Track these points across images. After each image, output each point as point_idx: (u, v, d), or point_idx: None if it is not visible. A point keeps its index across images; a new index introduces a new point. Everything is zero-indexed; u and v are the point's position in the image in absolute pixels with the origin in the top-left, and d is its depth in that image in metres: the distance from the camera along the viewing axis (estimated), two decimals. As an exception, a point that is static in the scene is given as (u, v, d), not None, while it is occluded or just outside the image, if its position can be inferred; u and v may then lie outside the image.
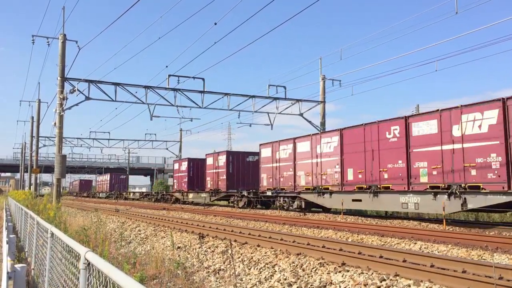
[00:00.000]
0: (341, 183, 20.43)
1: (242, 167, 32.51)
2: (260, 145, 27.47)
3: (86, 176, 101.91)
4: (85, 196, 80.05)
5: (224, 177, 31.83)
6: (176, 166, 40.28)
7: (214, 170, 33.47)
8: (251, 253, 9.92)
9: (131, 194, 59.09)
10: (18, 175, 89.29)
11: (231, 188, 31.50)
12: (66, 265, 4.29)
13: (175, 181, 40.89)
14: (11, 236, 7.50)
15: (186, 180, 37.36)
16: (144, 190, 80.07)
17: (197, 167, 37.37)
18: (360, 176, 19.35)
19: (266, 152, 26.71)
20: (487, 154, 14.28)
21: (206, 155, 35.80)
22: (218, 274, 8.52)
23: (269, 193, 25.99)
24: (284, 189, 24.78)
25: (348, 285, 6.73)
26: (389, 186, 17.69)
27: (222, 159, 32.67)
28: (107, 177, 66.71)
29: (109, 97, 26.71)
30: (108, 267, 2.55)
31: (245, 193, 29.56)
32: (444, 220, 15.31)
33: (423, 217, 19.10)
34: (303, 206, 23.33)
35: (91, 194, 79.91)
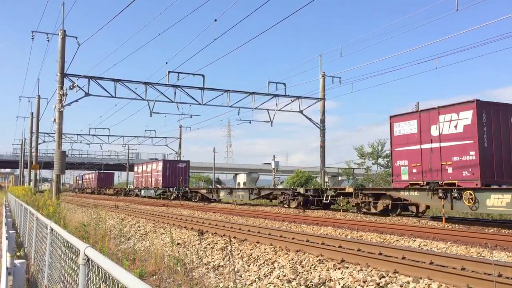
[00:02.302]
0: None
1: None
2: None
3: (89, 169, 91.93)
4: (110, 194, 60.80)
5: None
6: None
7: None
8: (251, 249, 9.93)
9: (221, 193, 32.67)
10: (17, 171, 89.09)
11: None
12: (65, 261, 4.29)
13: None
14: (10, 232, 7.51)
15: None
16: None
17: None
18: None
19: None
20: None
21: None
22: (218, 270, 8.53)
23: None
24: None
25: (347, 282, 6.74)
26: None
27: None
28: (157, 166, 44.55)
29: (109, 93, 26.70)
30: (107, 263, 2.55)
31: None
32: (443, 218, 15.33)
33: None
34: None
35: (117, 190, 60.57)
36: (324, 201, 21.76)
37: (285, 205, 24.53)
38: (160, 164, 43.87)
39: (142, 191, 48.23)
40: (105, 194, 62.94)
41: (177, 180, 41.05)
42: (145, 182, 47.77)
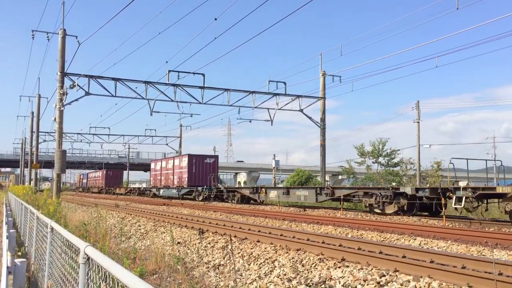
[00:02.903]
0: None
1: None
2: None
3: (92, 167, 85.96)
4: (120, 193, 55.74)
5: None
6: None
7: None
8: (251, 248, 9.93)
9: (271, 193, 27.12)
10: (18, 170, 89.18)
11: None
12: (66, 260, 4.29)
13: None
14: (11, 231, 7.51)
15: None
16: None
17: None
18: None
19: None
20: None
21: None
22: (218, 269, 8.53)
23: None
24: None
25: (348, 280, 6.74)
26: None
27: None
28: (181, 161, 38.60)
29: (109, 92, 26.70)
30: (107, 262, 2.54)
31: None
32: (444, 217, 15.32)
33: (423, 214, 19.11)
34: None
35: (130, 189, 56.24)
36: (455, 205, 15.45)
37: (376, 209, 18.52)
38: (185, 160, 37.76)
39: (161, 191, 42.01)
40: (115, 194, 56.62)
41: (208, 178, 35.47)
42: (165, 181, 41.75)
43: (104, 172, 66.30)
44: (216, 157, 39.72)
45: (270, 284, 7.07)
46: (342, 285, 6.63)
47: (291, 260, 8.36)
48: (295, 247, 9.37)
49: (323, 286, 6.72)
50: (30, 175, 49.14)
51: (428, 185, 27.92)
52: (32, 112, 47.18)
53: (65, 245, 4.33)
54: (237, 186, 64.74)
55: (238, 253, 9.62)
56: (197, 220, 15.92)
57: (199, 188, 34.64)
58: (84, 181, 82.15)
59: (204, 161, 37.97)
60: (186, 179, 36.91)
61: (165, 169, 42.57)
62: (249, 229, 12.55)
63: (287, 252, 9.08)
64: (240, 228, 13.05)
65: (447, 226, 13.93)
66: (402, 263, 7.14)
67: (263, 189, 27.78)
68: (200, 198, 34.19)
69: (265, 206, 26.56)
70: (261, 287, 7.04)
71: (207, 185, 34.60)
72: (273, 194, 26.58)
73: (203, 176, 36.81)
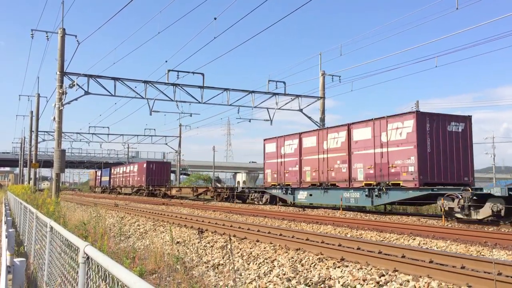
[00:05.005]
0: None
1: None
2: None
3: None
4: (181, 196, 38.60)
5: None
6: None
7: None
8: (250, 248, 9.93)
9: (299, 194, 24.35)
10: (17, 170, 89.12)
11: None
12: (65, 259, 4.28)
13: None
14: (10, 230, 7.49)
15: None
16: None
17: None
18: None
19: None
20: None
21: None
22: (217, 269, 8.52)
23: None
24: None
25: (347, 280, 6.74)
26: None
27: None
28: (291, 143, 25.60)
29: (109, 91, 26.66)
30: (107, 261, 2.54)
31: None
32: (443, 216, 15.33)
33: (422, 213, 19.15)
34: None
35: (207, 189, 36.36)
36: None
37: (458, 215, 15.39)
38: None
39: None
40: (166, 197, 41.59)
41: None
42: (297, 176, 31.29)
43: (144, 165, 47.91)
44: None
45: (270, 284, 7.07)
46: (342, 285, 6.63)
47: (290, 260, 8.36)
48: (294, 247, 9.37)
49: (322, 285, 6.72)
50: (29, 174, 49.09)
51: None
52: (32, 112, 47.16)
53: (65, 244, 4.33)
54: (236, 185, 64.38)
55: (238, 252, 9.62)
56: (197, 220, 15.92)
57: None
58: (104, 178, 65.70)
59: None
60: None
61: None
62: (248, 229, 12.55)
63: (287, 252, 9.08)
64: (239, 227, 13.05)
65: (446, 226, 13.94)
66: (402, 263, 7.14)
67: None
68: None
69: (264, 206, 26.53)
70: (260, 286, 7.04)
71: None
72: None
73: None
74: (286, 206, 24.35)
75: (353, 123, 20.68)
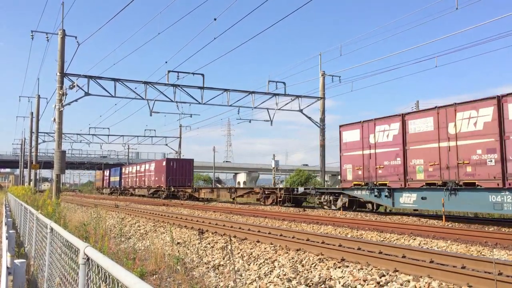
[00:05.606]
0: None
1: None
2: None
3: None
4: (237, 198, 30.95)
5: None
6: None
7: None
8: (251, 248, 9.92)
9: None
10: (17, 171, 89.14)
11: None
12: (65, 260, 4.28)
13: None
14: (10, 231, 7.51)
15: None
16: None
17: None
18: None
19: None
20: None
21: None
22: (218, 269, 8.52)
23: None
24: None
25: (348, 280, 6.74)
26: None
27: None
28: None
29: (109, 93, 26.71)
30: (107, 262, 2.54)
31: None
32: (443, 216, 15.32)
33: (423, 213, 19.13)
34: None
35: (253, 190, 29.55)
36: None
37: None
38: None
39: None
40: (196, 199, 36.28)
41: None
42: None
43: (164, 163, 41.27)
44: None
45: (270, 284, 7.07)
46: (342, 285, 6.63)
47: (290, 260, 8.36)
48: (294, 247, 9.37)
49: (323, 286, 6.72)
50: (30, 175, 49.10)
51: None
52: (32, 113, 47.18)
53: (65, 245, 4.33)
54: (236, 186, 64.50)
55: (238, 253, 9.62)
56: (197, 221, 15.91)
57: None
58: (113, 179, 59.56)
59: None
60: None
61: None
62: (248, 229, 12.55)
63: (287, 252, 9.08)
64: (239, 228, 13.04)
65: (446, 226, 13.93)
66: (402, 263, 7.14)
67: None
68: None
69: (265, 206, 26.52)
70: (261, 287, 7.04)
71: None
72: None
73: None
74: (285, 207, 24.24)
75: None
